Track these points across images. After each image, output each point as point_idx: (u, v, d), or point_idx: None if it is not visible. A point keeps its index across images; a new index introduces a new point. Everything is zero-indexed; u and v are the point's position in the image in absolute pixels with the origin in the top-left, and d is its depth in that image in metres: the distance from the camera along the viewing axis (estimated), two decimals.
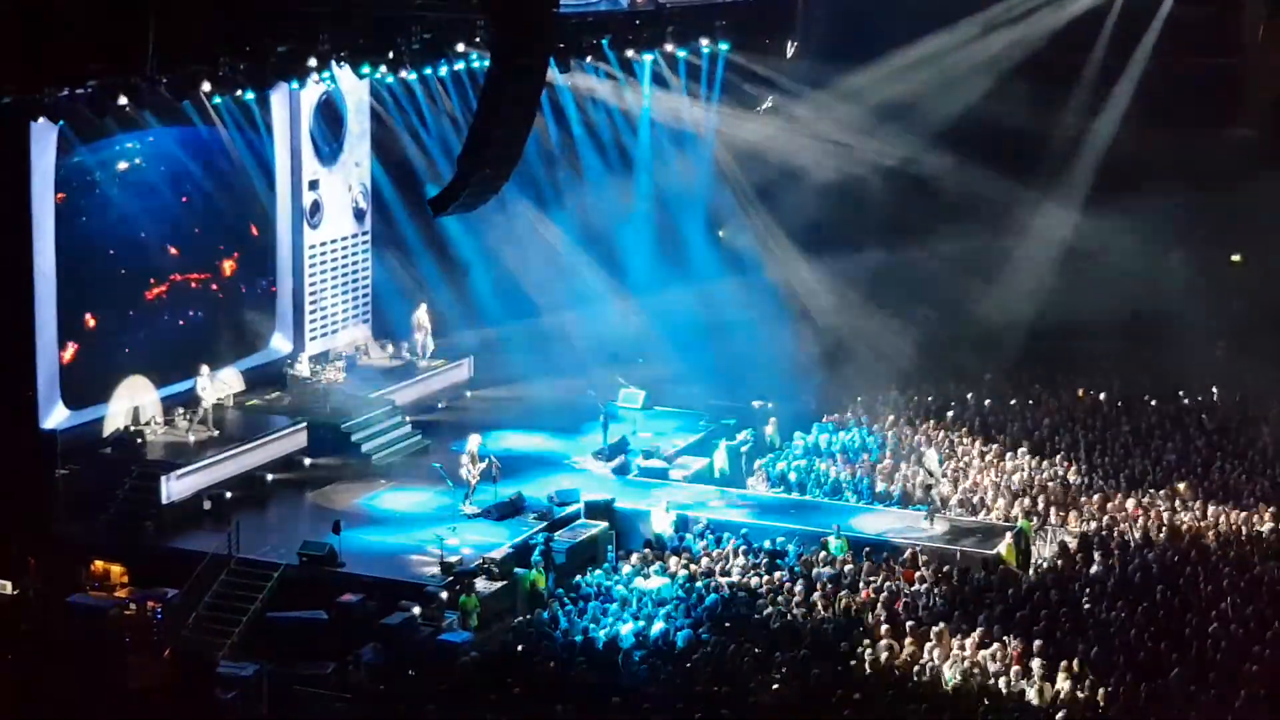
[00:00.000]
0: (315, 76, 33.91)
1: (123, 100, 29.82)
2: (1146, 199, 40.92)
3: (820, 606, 27.35)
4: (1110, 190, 42.06)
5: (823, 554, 29.67)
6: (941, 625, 26.05)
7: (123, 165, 34.32)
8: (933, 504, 31.94)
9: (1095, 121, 42.97)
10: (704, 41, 41.83)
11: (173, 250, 35.87)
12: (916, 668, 25.06)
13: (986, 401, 38.40)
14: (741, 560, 29.43)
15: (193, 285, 36.56)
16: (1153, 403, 38.25)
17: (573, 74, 39.36)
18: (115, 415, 33.15)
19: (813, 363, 40.04)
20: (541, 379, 38.82)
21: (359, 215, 39.95)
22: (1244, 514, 31.46)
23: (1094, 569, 28.77)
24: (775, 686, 24.19)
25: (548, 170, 42.10)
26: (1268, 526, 30.85)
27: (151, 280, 35.47)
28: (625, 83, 41.93)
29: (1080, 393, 39.55)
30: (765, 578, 28.51)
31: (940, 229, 42.33)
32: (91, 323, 33.52)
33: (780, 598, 27.70)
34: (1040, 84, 42.17)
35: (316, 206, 38.41)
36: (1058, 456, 34.74)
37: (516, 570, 29.39)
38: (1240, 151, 41.67)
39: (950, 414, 37.67)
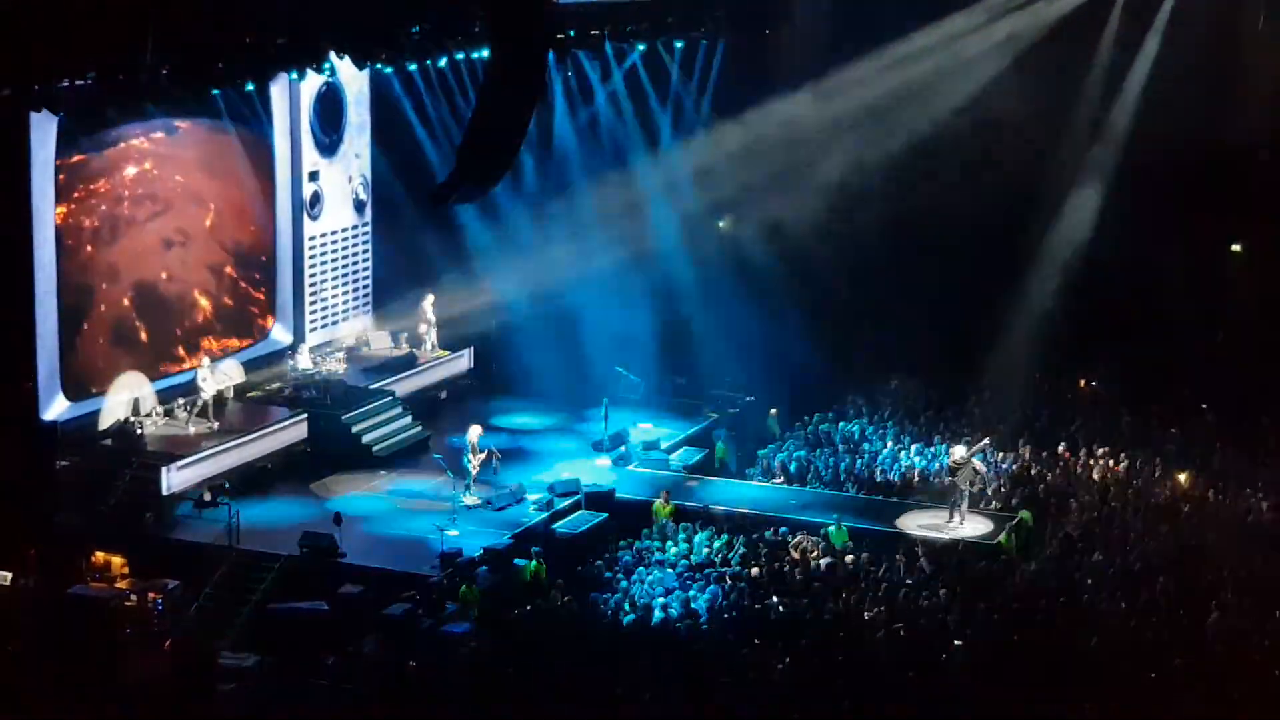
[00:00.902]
0: (315, 67, 33.87)
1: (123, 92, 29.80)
2: (1151, 188, 41.00)
3: (821, 596, 27.34)
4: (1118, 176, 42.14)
5: (823, 544, 29.69)
6: None
7: (131, 171, 33.90)
8: (961, 499, 31.67)
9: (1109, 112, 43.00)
10: (703, 30, 41.82)
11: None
12: None
13: (987, 392, 38.46)
14: (742, 551, 29.43)
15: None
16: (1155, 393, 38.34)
17: (567, 65, 39.37)
18: (111, 408, 33.08)
19: (811, 352, 40.06)
20: (545, 367, 38.88)
21: (359, 206, 39.96)
22: (1245, 505, 31.48)
23: (1095, 559, 28.78)
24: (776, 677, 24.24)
25: (540, 160, 42.07)
26: (1268, 518, 30.84)
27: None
28: (619, 74, 41.97)
29: (1082, 383, 39.59)
30: (766, 568, 28.52)
31: (948, 219, 42.32)
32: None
33: (781, 588, 27.71)
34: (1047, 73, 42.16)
35: (316, 198, 38.41)
36: (1059, 446, 34.74)
37: (516, 561, 29.40)
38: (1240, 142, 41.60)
39: (951, 404, 37.71)
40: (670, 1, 40.26)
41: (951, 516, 30.98)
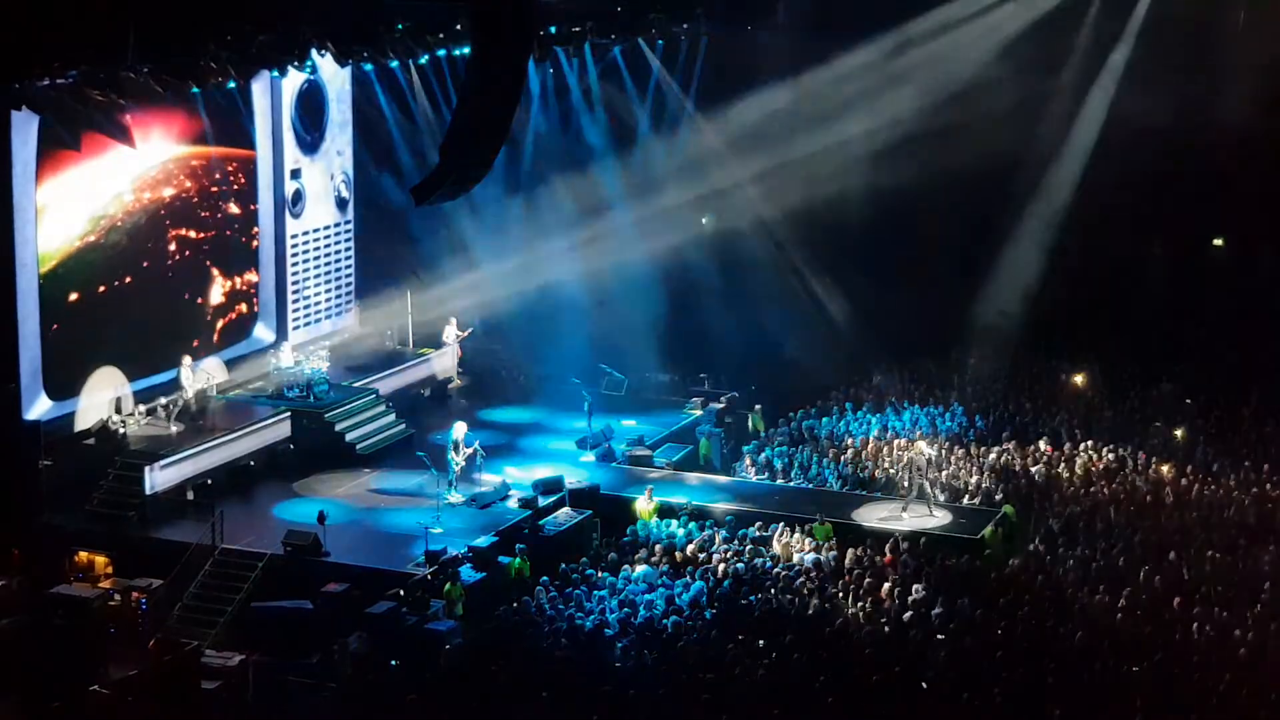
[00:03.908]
0: (297, 65, 33.81)
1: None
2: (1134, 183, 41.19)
3: (804, 592, 27.38)
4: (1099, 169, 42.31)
5: (806, 540, 29.72)
6: None
7: (111, 169, 33.50)
8: (917, 493, 31.71)
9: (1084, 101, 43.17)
10: (685, 27, 41.85)
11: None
12: None
13: (969, 387, 38.57)
14: (725, 547, 29.46)
15: None
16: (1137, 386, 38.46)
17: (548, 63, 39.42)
18: (91, 408, 32.93)
19: (800, 347, 40.14)
20: (529, 364, 38.87)
21: (341, 204, 39.91)
22: (1227, 497, 31.57)
23: (1078, 552, 28.82)
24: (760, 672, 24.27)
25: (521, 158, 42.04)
26: (1250, 510, 30.93)
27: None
28: (598, 72, 41.99)
29: (1063, 377, 39.68)
30: (749, 564, 28.55)
31: (932, 214, 42.43)
32: None
33: (765, 584, 27.74)
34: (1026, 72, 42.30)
35: (298, 195, 38.35)
36: (1041, 440, 34.79)
37: (501, 559, 29.40)
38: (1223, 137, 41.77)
39: (934, 399, 37.79)
40: None
41: (931, 511, 31.06)
